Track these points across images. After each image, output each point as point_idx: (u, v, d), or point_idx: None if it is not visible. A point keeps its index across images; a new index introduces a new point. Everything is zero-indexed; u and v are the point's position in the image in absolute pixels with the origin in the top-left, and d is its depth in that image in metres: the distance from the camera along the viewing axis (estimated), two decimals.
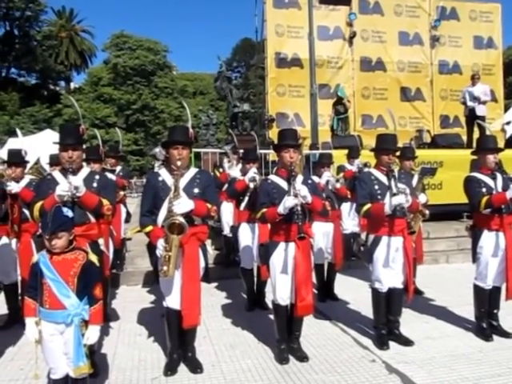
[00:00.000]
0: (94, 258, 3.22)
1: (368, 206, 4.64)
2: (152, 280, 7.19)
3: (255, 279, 6.17)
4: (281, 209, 4.13)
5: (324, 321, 5.57)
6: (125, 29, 43.74)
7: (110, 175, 5.55)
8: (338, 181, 6.40)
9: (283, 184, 4.35)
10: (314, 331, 5.19)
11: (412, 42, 15.91)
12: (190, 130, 4.29)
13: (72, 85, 48.87)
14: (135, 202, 14.73)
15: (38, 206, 3.99)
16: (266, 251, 4.47)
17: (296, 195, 4.05)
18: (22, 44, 40.68)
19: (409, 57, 15.88)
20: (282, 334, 4.50)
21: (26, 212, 5.40)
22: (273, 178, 4.52)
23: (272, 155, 10.58)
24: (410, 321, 5.34)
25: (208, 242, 4.94)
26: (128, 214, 7.98)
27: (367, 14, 15.46)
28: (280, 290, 4.39)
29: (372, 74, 15.67)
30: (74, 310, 3.09)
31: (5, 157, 5.97)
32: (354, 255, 8.17)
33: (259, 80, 20.64)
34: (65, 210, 3.18)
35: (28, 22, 40.67)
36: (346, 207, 7.36)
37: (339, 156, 8.42)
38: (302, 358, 4.40)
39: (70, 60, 46.19)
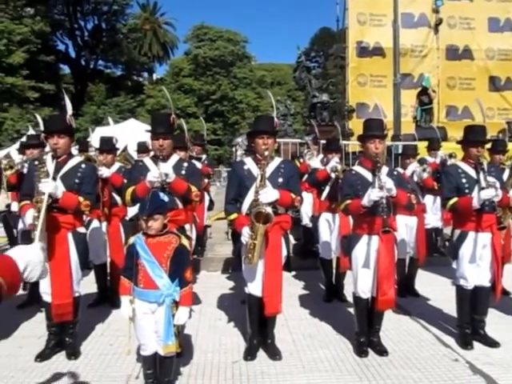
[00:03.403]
0: (186, 242, 3.35)
1: (455, 199, 4.49)
2: (232, 266, 7.37)
3: (334, 270, 6.15)
4: (365, 201, 4.07)
5: (404, 316, 5.45)
6: (205, 20, 44.57)
7: (196, 163, 5.72)
8: (424, 170, 6.19)
9: (368, 175, 4.29)
10: (394, 326, 5.10)
11: (503, 28, 15.02)
12: (275, 120, 4.32)
13: (154, 76, 50.49)
14: (214, 190, 15.03)
15: (129, 190, 4.18)
16: (348, 243, 4.44)
17: (381, 187, 3.97)
18: (108, 37, 42.41)
19: (499, 44, 15.02)
20: (362, 327, 4.46)
21: (116, 197, 5.70)
22: (357, 169, 4.46)
23: (352, 146, 10.45)
24: (495, 321, 5.10)
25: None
26: (211, 202, 8.19)
27: None
28: (361, 283, 4.35)
29: (458, 62, 14.98)
30: (166, 290, 3.23)
31: (96, 144, 6.30)
32: (437, 251, 7.97)
33: (338, 70, 20.34)
34: (161, 194, 3.34)
35: (115, 15, 42.31)
36: (428, 200, 7.14)
37: (421, 148, 8.17)
38: (382, 352, 4.35)
39: (153, 52, 47.71)
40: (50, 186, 3.85)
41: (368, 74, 14.61)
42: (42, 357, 4.23)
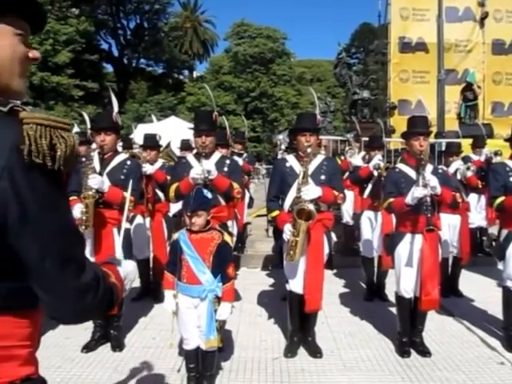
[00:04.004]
0: (228, 238, 3.39)
1: (502, 198, 4.36)
2: (272, 264, 7.39)
3: (375, 269, 6.09)
4: (409, 199, 4.00)
5: (447, 317, 5.34)
6: (245, 17, 44.70)
7: (238, 159, 5.77)
8: (468, 168, 6.06)
9: (411, 173, 4.23)
10: (437, 327, 5.00)
11: None
12: (318, 117, 4.31)
13: (195, 73, 50.97)
14: (252, 187, 15.11)
15: (173, 187, 4.25)
16: (391, 242, 4.39)
17: (425, 185, 3.91)
18: (150, 36, 43.03)
19: None
20: (404, 327, 4.40)
21: (159, 193, 5.79)
22: (401, 166, 4.40)
23: (393, 144, 10.31)
24: None
25: None
26: (251, 199, 8.24)
27: None
28: (404, 282, 4.29)
29: (505, 57, 14.47)
30: (209, 285, 3.28)
31: (139, 141, 6.42)
32: (481, 251, 7.77)
33: (379, 66, 20.07)
34: (205, 191, 3.38)
35: (156, 14, 42.87)
36: (473, 199, 6.97)
37: (465, 146, 7.96)
38: (425, 352, 4.28)
39: (194, 50, 48.18)
40: (97, 181, 3.96)
41: (410, 69, 14.32)
42: (88, 348, 4.36)
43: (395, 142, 10.67)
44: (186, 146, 7.26)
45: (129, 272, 1.50)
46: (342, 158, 7.28)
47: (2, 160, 1.03)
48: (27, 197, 1.05)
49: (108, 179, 4.18)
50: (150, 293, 5.90)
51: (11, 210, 1.05)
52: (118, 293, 1.35)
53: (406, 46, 14.31)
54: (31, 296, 1.15)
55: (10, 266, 1.10)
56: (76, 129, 8.51)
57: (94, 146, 4.72)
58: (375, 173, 5.68)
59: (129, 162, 4.44)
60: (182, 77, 48.77)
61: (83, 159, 4.28)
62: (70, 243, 1.15)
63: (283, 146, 8.03)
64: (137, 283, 6.04)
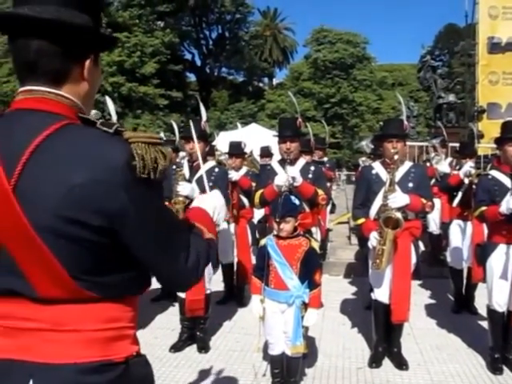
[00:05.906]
0: (315, 245, 3.40)
1: None
2: (355, 272, 7.29)
3: (464, 280, 5.84)
4: (503, 208, 3.80)
5: None
6: (325, 23, 44.45)
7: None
8: None
9: (506, 181, 4.02)
10: None
11: None
12: (405, 123, 4.22)
13: (274, 81, 51.40)
14: (333, 194, 15.01)
15: (258, 194, 4.33)
16: (482, 252, 4.20)
17: None
18: (231, 45, 43.94)
19: None
20: (497, 342, 4.18)
21: (244, 199, 5.90)
22: (494, 173, 4.19)
23: (482, 149, 9.83)
24: None
25: None
26: (333, 205, 8.20)
27: None
28: (497, 295, 4.09)
29: None
30: (296, 291, 3.30)
31: (222, 148, 6.58)
32: None
33: (465, 68, 19.25)
34: (293, 198, 3.42)
35: (237, 24, 43.73)
36: None
37: None
38: None
39: (273, 57, 48.69)
40: (187, 189, 4.11)
41: (500, 71, 13.55)
42: (176, 348, 4.52)
43: (484, 148, 10.19)
44: (265, 152, 7.36)
45: (215, 205, 1.63)
46: (428, 164, 7.06)
47: (121, 176, 1.18)
48: (141, 205, 1.22)
49: (197, 186, 4.32)
50: (234, 297, 6.02)
51: (129, 218, 1.21)
52: (213, 242, 1.49)
53: (495, 47, 13.58)
54: (136, 284, 1.34)
55: (123, 260, 1.27)
56: (161, 136, 8.86)
57: (181, 153, 4.90)
58: (466, 180, 5.45)
59: (216, 170, 4.58)
60: (261, 84, 49.33)
61: (174, 167, 4.46)
62: (177, 235, 1.33)
63: (363, 158, 7.93)
64: (221, 287, 6.18)
